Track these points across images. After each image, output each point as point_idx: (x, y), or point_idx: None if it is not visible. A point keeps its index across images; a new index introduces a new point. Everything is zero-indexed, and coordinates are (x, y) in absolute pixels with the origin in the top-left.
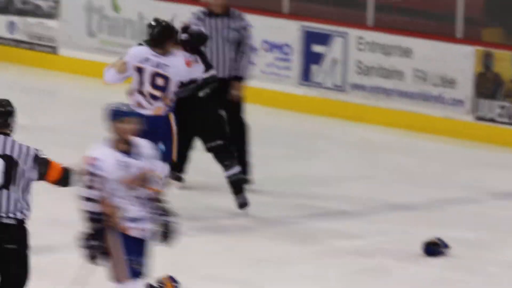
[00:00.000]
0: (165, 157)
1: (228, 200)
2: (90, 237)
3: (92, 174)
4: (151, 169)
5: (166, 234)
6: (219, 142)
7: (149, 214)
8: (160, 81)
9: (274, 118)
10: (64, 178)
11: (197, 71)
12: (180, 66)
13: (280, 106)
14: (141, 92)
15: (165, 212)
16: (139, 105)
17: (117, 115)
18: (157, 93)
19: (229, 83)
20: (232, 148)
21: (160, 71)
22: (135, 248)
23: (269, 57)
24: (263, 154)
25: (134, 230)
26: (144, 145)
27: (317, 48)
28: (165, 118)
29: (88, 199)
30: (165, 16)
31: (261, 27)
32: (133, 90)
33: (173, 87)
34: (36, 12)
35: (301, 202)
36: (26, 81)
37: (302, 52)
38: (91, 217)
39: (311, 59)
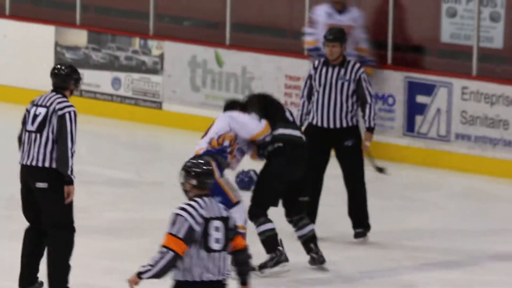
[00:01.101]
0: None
1: (334, 252)
2: None
3: None
4: None
5: None
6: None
7: None
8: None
9: None
10: (245, 252)
11: (247, 126)
12: (225, 113)
13: (384, 157)
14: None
15: None
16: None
17: None
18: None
19: (341, 133)
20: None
21: None
22: None
23: None
24: (369, 205)
25: None
26: None
27: (421, 99)
28: None
29: None
30: (267, 69)
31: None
32: None
33: (214, 130)
34: (141, 67)
35: (409, 254)
36: (130, 137)
37: (406, 102)
38: None
39: (415, 109)
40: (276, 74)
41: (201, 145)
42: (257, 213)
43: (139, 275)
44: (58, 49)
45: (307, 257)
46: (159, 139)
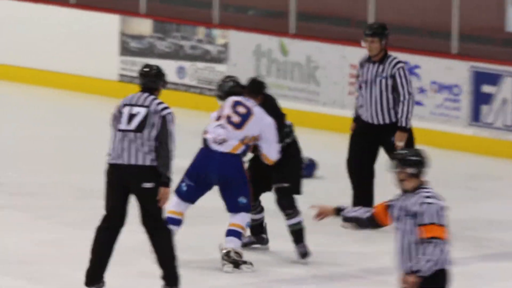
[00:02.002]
0: (246, 207)
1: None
2: None
3: None
4: None
5: None
6: (285, 184)
7: None
8: (242, 109)
9: (444, 159)
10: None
11: (272, 146)
12: (265, 117)
13: (449, 147)
14: (219, 118)
15: None
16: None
17: None
18: (235, 118)
19: (385, 129)
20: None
21: (246, 102)
22: None
23: (439, 98)
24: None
25: None
26: None
27: (486, 88)
28: (239, 162)
29: None
30: (332, 58)
31: (430, 68)
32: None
33: (250, 130)
34: (205, 57)
35: (473, 244)
36: (195, 125)
37: (471, 92)
38: None
39: (480, 99)
40: (340, 63)
41: (236, 138)
42: (295, 203)
43: (419, 273)
44: (123, 38)
45: (364, 251)
46: None
